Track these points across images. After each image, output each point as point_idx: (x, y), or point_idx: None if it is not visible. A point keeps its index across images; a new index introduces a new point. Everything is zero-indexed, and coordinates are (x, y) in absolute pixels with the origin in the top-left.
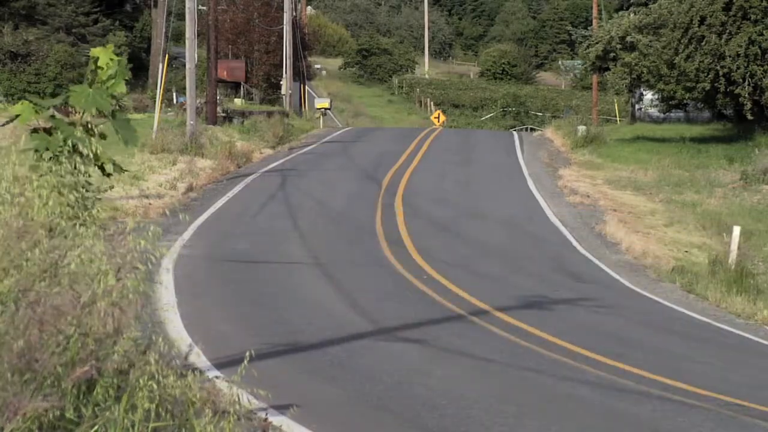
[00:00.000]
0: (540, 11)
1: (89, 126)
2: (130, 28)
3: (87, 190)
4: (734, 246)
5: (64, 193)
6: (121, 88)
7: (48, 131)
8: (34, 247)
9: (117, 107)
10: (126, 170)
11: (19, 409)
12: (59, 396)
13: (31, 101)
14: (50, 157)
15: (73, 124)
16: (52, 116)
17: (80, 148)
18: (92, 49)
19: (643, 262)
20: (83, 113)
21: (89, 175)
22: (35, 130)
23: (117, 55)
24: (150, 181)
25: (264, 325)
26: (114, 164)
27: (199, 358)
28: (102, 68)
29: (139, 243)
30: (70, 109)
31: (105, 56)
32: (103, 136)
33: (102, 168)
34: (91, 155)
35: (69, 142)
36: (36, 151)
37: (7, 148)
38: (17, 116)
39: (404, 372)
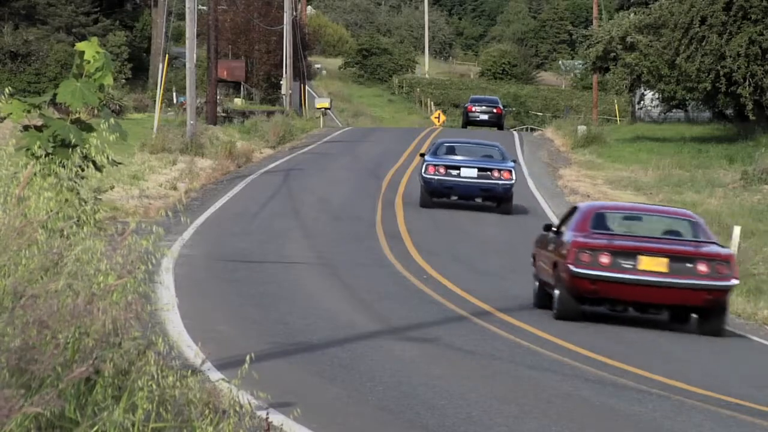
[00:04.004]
0: (540, 11)
1: (80, 121)
2: (130, 28)
3: (80, 185)
4: (734, 246)
5: (62, 191)
6: (109, 81)
7: (39, 129)
8: (32, 247)
9: (105, 102)
10: (120, 162)
11: (12, 411)
12: (57, 396)
13: (20, 99)
14: (44, 155)
15: (63, 120)
16: (41, 114)
17: (73, 141)
18: (77, 43)
19: None
20: (66, 108)
21: (83, 169)
22: (26, 128)
23: (103, 48)
24: (150, 181)
25: (264, 324)
26: (108, 158)
27: (198, 358)
28: (89, 61)
29: (139, 243)
30: (70, 109)
31: (90, 50)
32: (90, 129)
33: (94, 162)
34: (83, 149)
35: (59, 138)
36: (27, 149)
37: (5, 148)
38: (9, 114)
39: (405, 372)
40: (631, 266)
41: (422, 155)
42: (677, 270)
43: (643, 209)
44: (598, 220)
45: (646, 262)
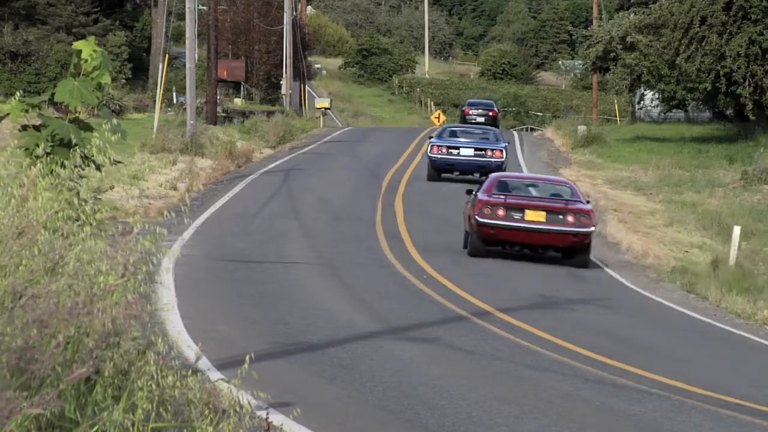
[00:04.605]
0: (540, 11)
1: (78, 120)
2: (131, 28)
3: (80, 185)
4: (734, 246)
5: (62, 191)
6: (107, 79)
7: (37, 128)
8: (32, 247)
9: (104, 102)
10: (119, 161)
11: (13, 412)
12: (57, 397)
13: (19, 99)
14: (44, 154)
15: (62, 119)
16: (40, 113)
17: (74, 141)
18: (74, 42)
19: (643, 262)
20: (65, 107)
21: (82, 169)
22: (24, 128)
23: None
24: (150, 181)
25: (264, 324)
26: (110, 158)
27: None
28: (86, 60)
29: (140, 243)
30: (69, 108)
31: (88, 48)
32: (89, 128)
33: (94, 162)
34: (84, 149)
35: (57, 137)
36: (26, 149)
37: (4, 149)
38: (7, 115)
39: (405, 372)
40: (519, 217)
41: (431, 138)
42: (552, 220)
43: (536, 178)
44: (501, 185)
45: (530, 215)
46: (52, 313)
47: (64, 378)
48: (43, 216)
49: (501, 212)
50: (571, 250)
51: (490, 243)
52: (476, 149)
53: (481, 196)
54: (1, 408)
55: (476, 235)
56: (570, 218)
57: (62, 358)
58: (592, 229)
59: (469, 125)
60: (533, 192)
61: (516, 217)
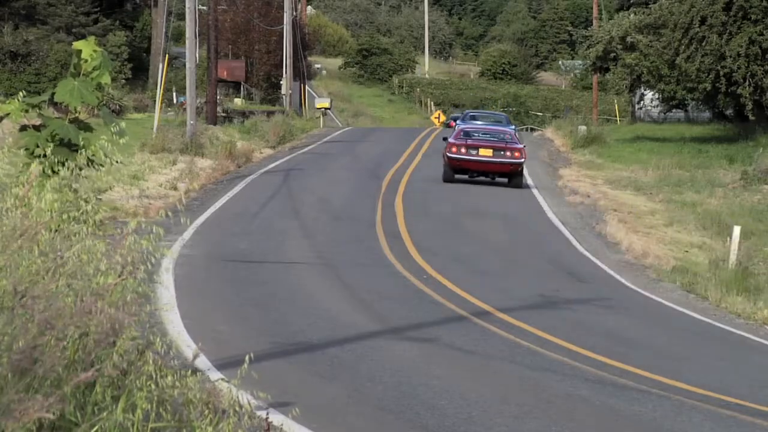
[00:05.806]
0: (540, 11)
1: (78, 120)
2: (131, 27)
3: (80, 185)
4: (734, 246)
5: (63, 192)
6: (106, 79)
7: (37, 128)
8: (33, 247)
9: (104, 102)
10: (119, 161)
11: (27, 415)
12: (60, 398)
13: (22, 100)
14: (41, 155)
15: (61, 119)
16: (40, 113)
17: (81, 144)
18: (74, 42)
19: (643, 262)
20: (65, 107)
21: (80, 169)
22: (24, 128)
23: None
24: (150, 181)
25: (264, 325)
26: (118, 161)
27: (199, 359)
28: (86, 60)
29: (139, 243)
30: (70, 109)
31: (87, 48)
32: (89, 128)
33: (99, 164)
34: (81, 148)
35: (57, 137)
36: (27, 149)
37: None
38: (7, 114)
39: (405, 372)
40: (475, 153)
41: (455, 121)
42: (497, 155)
43: (488, 129)
44: (465, 133)
45: (482, 152)
46: (53, 313)
47: (70, 382)
48: (47, 217)
49: (463, 150)
50: (510, 175)
51: (457, 171)
52: None
53: (451, 140)
54: (13, 409)
55: (447, 166)
56: (508, 153)
57: (64, 359)
58: (523, 160)
59: (484, 110)
60: (485, 137)
61: (473, 153)
